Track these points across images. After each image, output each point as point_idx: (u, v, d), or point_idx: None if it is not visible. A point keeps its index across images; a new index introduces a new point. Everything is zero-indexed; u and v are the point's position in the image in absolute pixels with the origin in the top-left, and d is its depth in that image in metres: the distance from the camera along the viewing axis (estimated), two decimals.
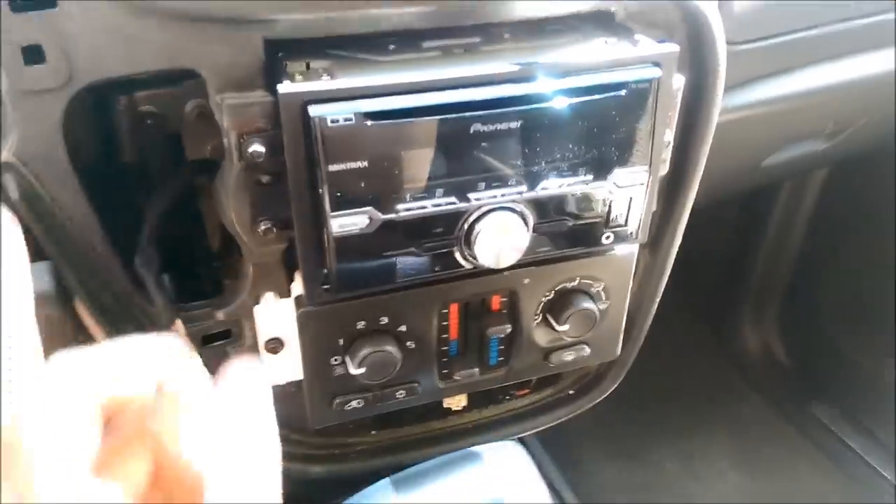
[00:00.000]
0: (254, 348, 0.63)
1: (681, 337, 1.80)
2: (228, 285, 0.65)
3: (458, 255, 0.57)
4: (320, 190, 0.50)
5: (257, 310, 0.61)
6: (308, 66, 0.52)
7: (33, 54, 0.47)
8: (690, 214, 0.70)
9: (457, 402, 0.78)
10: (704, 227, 1.73)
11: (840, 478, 1.48)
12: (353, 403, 0.64)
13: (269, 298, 0.61)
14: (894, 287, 1.46)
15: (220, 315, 0.61)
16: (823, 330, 1.64)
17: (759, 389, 1.69)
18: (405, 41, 0.55)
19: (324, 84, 0.49)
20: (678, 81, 0.60)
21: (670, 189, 0.68)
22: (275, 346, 0.63)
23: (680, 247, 0.71)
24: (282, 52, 0.52)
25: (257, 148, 0.50)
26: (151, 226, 0.59)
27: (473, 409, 0.79)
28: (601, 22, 0.60)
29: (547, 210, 0.57)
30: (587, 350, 0.70)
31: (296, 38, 0.52)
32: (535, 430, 0.80)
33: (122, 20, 0.48)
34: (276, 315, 0.61)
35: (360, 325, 0.60)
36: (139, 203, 0.63)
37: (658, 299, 0.74)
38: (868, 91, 0.89)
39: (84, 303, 0.56)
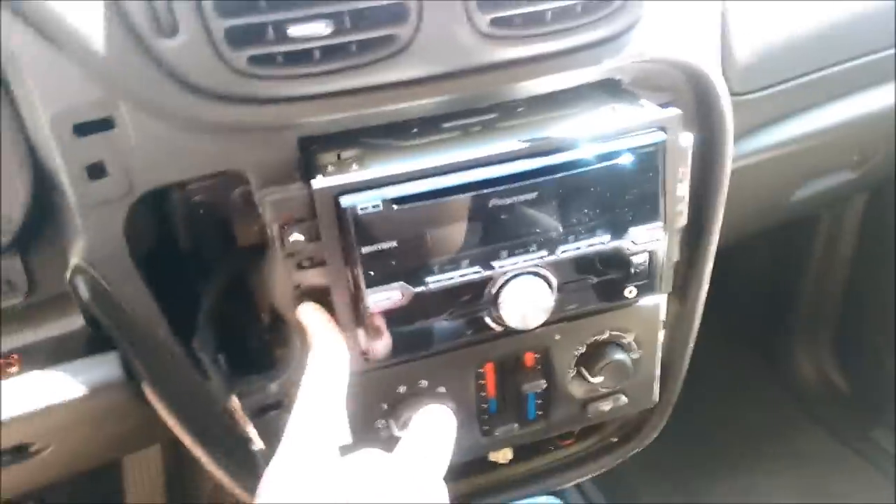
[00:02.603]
0: None
1: (734, 369, 1.78)
2: (280, 355, 0.70)
3: (487, 319, 0.60)
4: (355, 270, 0.55)
5: None
6: (339, 157, 0.57)
7: (97, 170, 0.54)
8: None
9: (503, 455, 0.80)
10: (749, 256, 1.73)
11: None
12: None
13: None
14: None
15: (273, 387, 0.66)
16: (879, 353, 1.60)
17: (817, 418, 1.64)
18: (427, 124, 0.60)
19: (353, 176, 0.54)
20: (686, 140, 0.62)
21: (692, 238, 0.70)
22: None
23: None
24: (315, 146, 0.58)
25: (297, 237, 0.55)
26: (207, 309, 0.64)
27: (520, 461, 0.81)
28: (609, 89, 0.64)
29: (569, 271, 0.60)
30: (624, 399, 0.71)
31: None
32: (581, 479, 0.82)
33: (174, 134, 0.54)
34: None
35: (402, 388, 0.64)
36: (195, 286, 0.68)
37: (692, 344, 0.76)
38: (886, 121, 0.90)
39: (150, 387, 0.62)
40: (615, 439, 0.83)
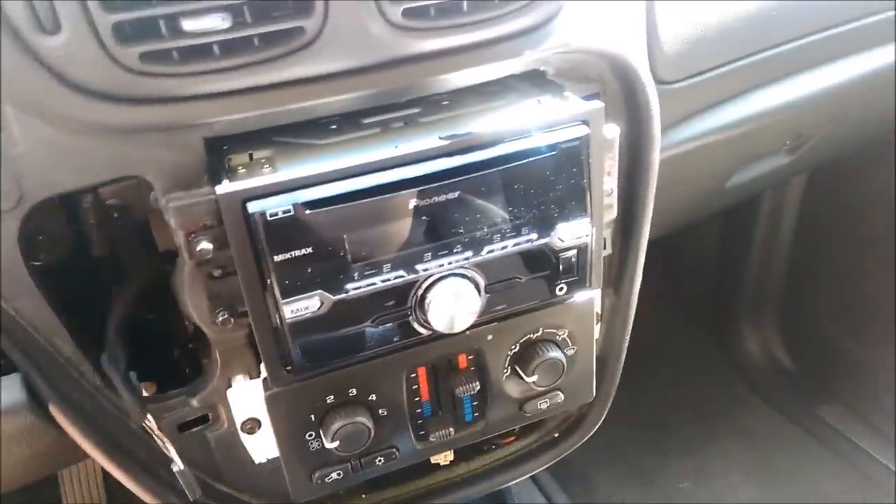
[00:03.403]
0: (232, 430, 0.64)
1: (684, 351, 1.80)
2: (205, 365, 0.67)
3: (414, 324, 0.58)
4: (269, 279, 0.52)
5: (230, 393, 0.62)
6: (251, 157, 0.54)
7: None
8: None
9: (444, 457, 0.78)
10: (695, 240, 1.75)
11: (853, 477, 1.47)
12: (333, 475, 0.65)
13: (240, 381, 0.62)
14: (893, 282, 1.46)
15: (195, 402, 0.62)
16: (823, 331, 1.64)
17: (764, 396, 1.68)
18: (346, 120, 0.57)
19: (260, 180, 0.51)
20: (612, 132, 0.61)
21: (623, 231, 0.69)
22: (252, 426, 0.64)
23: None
24: (226, 146, 0.54)
25: (205, 245, 0.52)
26: (116, 323, 0.61)
27: (461, 462, 0.80)
28: (534, 80, 0.62)
29: (496, 271, 0.58)
30: (561, 396, 0.70)
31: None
32: (524, 477, 0.81)
33: (65, 139, 0.50)
34: (249, 396, 0.62)
35: (330, 399, 0.61)
36: (109, 296, 0.64)
37: (628, 336, 0.75)
38: (818, 105, 0.91)
39: (58, 407, 0.58)
40: (556, 434, 0.82)
